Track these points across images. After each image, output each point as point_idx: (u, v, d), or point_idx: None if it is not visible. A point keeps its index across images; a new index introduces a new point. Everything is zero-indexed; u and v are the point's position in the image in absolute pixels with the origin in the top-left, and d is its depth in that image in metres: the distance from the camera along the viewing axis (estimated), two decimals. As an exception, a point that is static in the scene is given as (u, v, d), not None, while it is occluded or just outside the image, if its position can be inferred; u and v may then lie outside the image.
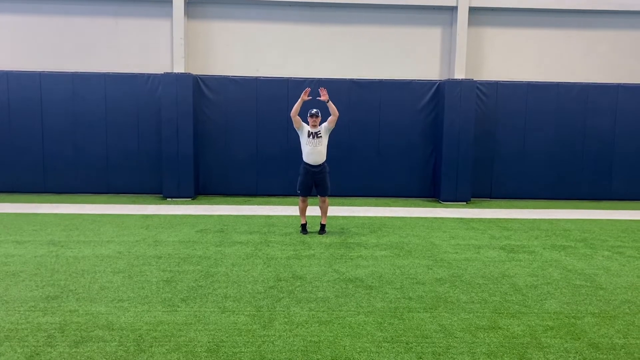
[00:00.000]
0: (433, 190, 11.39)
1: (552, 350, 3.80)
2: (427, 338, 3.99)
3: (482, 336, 4.04)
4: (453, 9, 11.16)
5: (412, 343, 3.90)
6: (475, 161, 11.05)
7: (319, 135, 7.47)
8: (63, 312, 4.38)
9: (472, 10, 11.13)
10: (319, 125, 7.51)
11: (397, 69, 11.38)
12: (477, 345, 3.87)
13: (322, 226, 7.75)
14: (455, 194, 10.87)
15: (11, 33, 10.94)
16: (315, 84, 11.01)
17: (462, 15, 10.99)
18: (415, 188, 11.42)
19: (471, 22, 11.18)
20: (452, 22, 11.24)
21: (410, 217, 9.10)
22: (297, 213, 8.54)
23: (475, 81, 10.91)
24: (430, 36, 11.37)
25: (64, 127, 10.90)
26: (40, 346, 3.73)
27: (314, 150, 7.46)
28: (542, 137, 11.30)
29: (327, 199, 7.75)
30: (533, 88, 11.19)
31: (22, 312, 4.37)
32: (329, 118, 7.50)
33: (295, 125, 7.53)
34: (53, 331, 3.98)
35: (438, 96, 11.10)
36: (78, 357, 3.57)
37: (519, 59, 11.48)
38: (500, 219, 9.11)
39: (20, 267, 5.68)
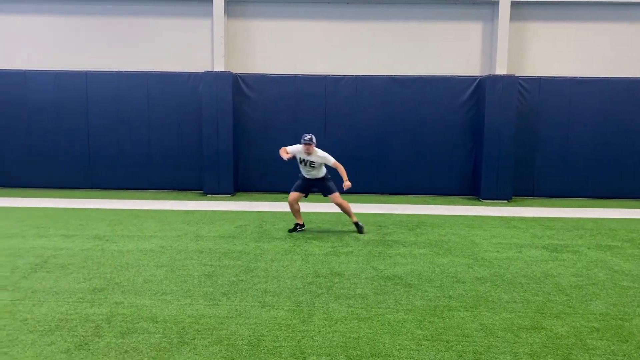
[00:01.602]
0: (473, 188, 11.23)
1: (598, 352, 3.70)
2: (467, 337, 3.95)
3: (524, 336, 3.97)
4: (494, 4, 10.94)
5: (452, 342, 3.86)
6: (516, 158, 10.82)
7: (312, 165, 7.27)
8: (109, 304, 4.53)
9: (514, 4, 10.89)
10: (314, 154, 7.15)
11: (436, 65, 11.24)
12: (519, 345, 3.80)
13: (355, 224, 7.55)
14: (496, 192, 10.68)
15: (57, 34, 11.32)
16: (353, 81, 11.02)
17: (504, 10, 10.77)
18: (455, 186, 11.28)
19: (513, 17, 10.94)
20: (494, 17, 11.03)
21: (450, 215, 8.99)
22: (335, 210, 8.42)
23: (517, 77, 10.68)
24: (470, 31, 11.19)
25: (109, 124, 11.22)
26: (88, 336, 3.86)
27: (308, 173, 7.40)
28: (587, 134, 10.97)
29: (340, 198, 7.35)
30: (577, 83, 10.87)
31: (71, 303, 4.54)
32: (338, 169, 7.24)
33: None
34: (100, 322, 4.12)
35: (479, 92, 10.92)
36: (124, 347, 3.69)
37: (562, 53, 11.18)
38: (542, 217, 8.91)
39: (69, 259, 5.89)
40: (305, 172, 7.39)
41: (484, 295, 4.91)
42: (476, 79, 10.99)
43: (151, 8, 11.23)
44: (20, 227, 7.49)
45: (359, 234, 7.39)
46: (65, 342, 3.76)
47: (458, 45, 11.24)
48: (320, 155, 7.20)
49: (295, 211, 7.48)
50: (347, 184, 7.13)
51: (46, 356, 3.54)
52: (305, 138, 7.08)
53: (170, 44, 11.32)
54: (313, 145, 7.11)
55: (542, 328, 4.13)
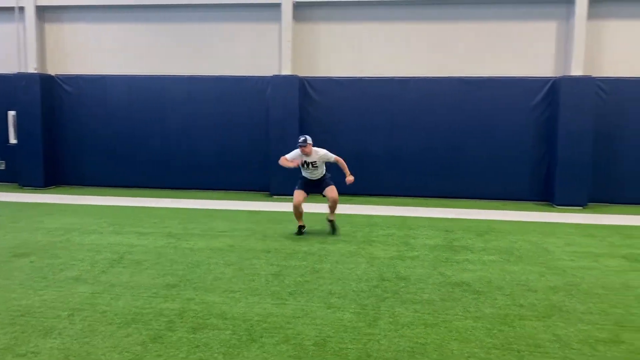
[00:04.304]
0: (546, 193, 10.77)
1: (685, 371, 3.47)
2: (540, 347, 3.80)
3: (602, 349, 3.77)
4: (570, 2, 10.47)
5: (524, 352, 3.73)
6: (593, 163, 10.28)
7: (314, 165, 7.24)
8: (182, 299, 4.70)
9: (592, 2, 10.37)
10: (314, 154, 7.15)
11: (507, 66, 10.88)
12: (597, 359, 3.62)
13: (331, 222, 7.51)
14: (570, 198, 10.21)
15: (134, 40, 11.88)
16: (421, 83, 10.88)
17: (581, 8, 10.27)
18: (526, 191, 10.87)
19: (590, 15, 10.41)
20: (569, 15, 10.55)
21: (521, 221, 8.68)
22: (400, 213, 8.34)
23: (595, 78, 10.17)
24: (544, 31, 10.76)
25: (181, 127, 11.65)
26: (162, 330, 4.02)
27: (311, 175, 7.37)
28: (673, 138, 10.28)
29: (336, 193, 7.30)
30: (662, 84, 10.21)
31: (145, 297, 4.75)
32: (339, 163, 7.29)
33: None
34: (173, 317, 4.29)
35: (552, 94, 10.48)
36: (196, 342, 3.81)
37: (645, 52, 10.53)
38: (621, 225, 8.43)
39: (143, 256, 6.16)
40: (309, 174, 7.39)
41: (557, 305, 4.71)
42: (550, 80, 10.56)
43: (222, 14, 11.57)
44: (98, 224, 7.91)
45: (424, 239, 7.28)
46: (141, 334, 3.94)
47: (530, 46, 10.83)
48: (321, 154, 7.22)
49: (300, 214, 7.36)
50: (349, 178, 7.20)
51: (123, 347, 3.72)
52: (300, 140, 7.11)
53: (239, 48, 11.61)
54: (310, 145, 7.11)
55: (622, 342, 3.91)
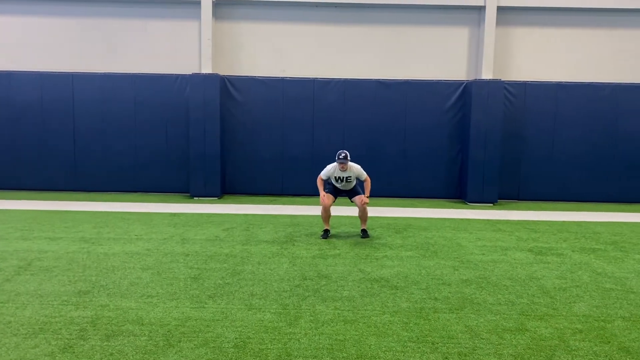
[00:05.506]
0: (459, 191, 11.31)
1: (580, 354, 3.75)
2: (453, 338, 3.98)
3: (508, 338, 4.01)
4: (481, 9, 11.06)
5: (437, 343, 3.89)
6: (502, 162, 10.93)
7: (348, 180, 7.24)
8: (94, 306, 4.49)
9: (501, 9, 11.01)
10: (349, 170, 7.10)
11: (423, 69, 11.32)
12: (503, 347, 3.84)
13: (363, 231, 7.47)
14: (481, 196, 10.77)
15: (44, 35, 11.22)
16: (341, 84, 11.06)
17: (490, 15, 10.88)
18: (441, 189, 11.35)
19: (499, 22, 11.06)
20: (480, 21, 11.14)
21: (436, 218, 9.05)
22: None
23: (503, 81, 10.80)
24: (457, 36, 11.29)
25: (95, 126, 11.14)
26: (73, 339, 3.83)
27: (342, 187, 7.36)
28: (572, 139, 11.11)
29: (365, 204, 7.19)
30: (562, 88, 11.02)
31: (55, 306, 4.50)
32: (365, 183, 7.24)
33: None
34: (85, 325, 4.09)
35: (465, 97, 11.02)
36: (109, 350, 3.66)
37: (548, 58, 11.32)
38: (527, 220, 9.00)
39: (54, 262, 5.84)
40: (340, 185, 7.34)
41: (469, 297, 4.95)
42: (462, 83, 11.08)
43: (139, 10, 11.19)
44: (3, 230, 7.41)
45: (345, 237, 7.40)
46: (50, 345, 3.73)
47: (445, 50, 11.33)
48: (356, 171, 7.17)
49: (327, 217, 7.36)
50: (364, 199, 7.14)
51: (30, 359, 3.51)
52: (341, 156, 6.97)
53: (157, 46, 11.28)
54: (348, 162, 7.06)
55: (526, 330, 4.17)
